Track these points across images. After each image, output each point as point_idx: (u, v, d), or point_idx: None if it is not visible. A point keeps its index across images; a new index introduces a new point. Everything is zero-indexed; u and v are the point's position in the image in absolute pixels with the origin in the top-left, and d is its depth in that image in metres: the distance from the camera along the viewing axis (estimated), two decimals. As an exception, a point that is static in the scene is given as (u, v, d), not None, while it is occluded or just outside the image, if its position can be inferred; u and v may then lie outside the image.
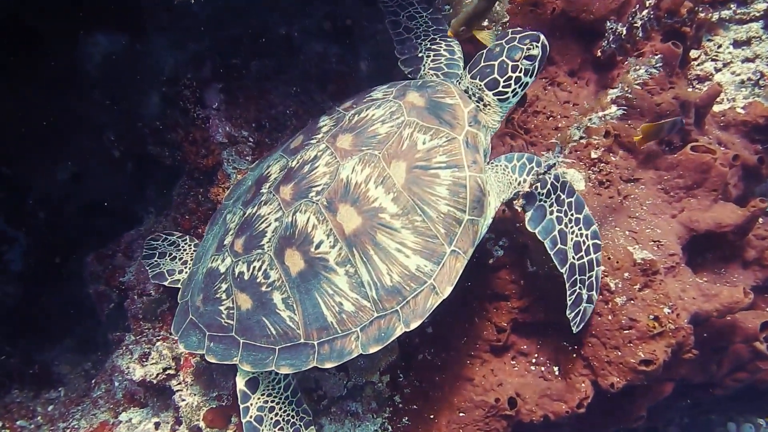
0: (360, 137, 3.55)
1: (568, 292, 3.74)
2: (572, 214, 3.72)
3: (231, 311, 3.66)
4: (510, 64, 3.68)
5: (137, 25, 4.82)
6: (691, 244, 4.48)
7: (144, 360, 4.59)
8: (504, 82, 3.70)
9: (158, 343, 4.64)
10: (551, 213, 3.69)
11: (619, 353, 3.96)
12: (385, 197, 3.40)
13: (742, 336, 4.51)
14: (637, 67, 3.44)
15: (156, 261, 4.46)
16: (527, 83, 3.77)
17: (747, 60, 5.66)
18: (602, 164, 4.49)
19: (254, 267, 3.58)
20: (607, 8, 4.45)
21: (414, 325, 3.39)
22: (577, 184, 4.41)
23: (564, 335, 4.17)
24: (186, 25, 5.00)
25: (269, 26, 5.12)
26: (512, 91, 3.75)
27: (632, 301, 3.98)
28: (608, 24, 4.32)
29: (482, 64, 3.75)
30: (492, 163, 3.72)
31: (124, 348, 4.84)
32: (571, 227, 3.72)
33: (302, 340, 3.50)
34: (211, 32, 4.99)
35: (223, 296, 3.70)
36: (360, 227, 3.39)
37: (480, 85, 3.75)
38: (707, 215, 4.39)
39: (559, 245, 3.70)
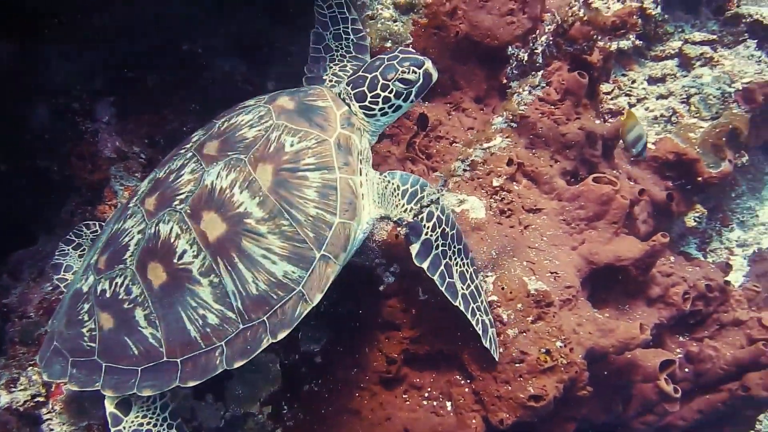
0: (227, 143, 3.44)
1: (473, 322, 3.69)
2: (455, 246, 3.65)
3: (93, 333, 3.44)
4: (381, 81, 3.58)
5: (27, 34, 4.62)
6: (592, 278, 4.41)
7: (12, 386, 4.31)
8: (371, 98, 3.60)
9: (29, 369, 4.35)
10: (437, 248, 3.59)
11: (509, 388, 3.83)
12: (251, 202, 3.26)
13: (642, 375, 4.43)
14: (520, 91, 3.38)
15: (68, 250, 4.29)
16: (399, 107, 3.67)
17: (661, 96, 5.71)
18: (504, 192, 4.42)
19: (116, 283, 3.39)
20: (511, 34, 4.44)
21: (281, 336, 3.24)
22: (477, 212, 4.32)
23: (457, 368, 4.06)
24: (83, 37, 4.83)
25: (172, 41, 4.99)
26: (380, 110, 3.64)
27: (524, 334, 3.87)
28: (509, 49, 4.29)
29: (359, 73, 3.67)
30: (383, 175, 3.62)
31: (-8, 373, 4.55)
32: (455, 259, 3.66)
33: (165, 359, 3.30)
34: (109, 44, 4.82)
35: (86, 317, 3.49)
36: (224, 234, 3.24)
37: (350, 93, 3.65)
38: (607, 248, 4.33)
39: (447, 279, 3.64)
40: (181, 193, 3.37)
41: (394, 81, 3.55)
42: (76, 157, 4.59)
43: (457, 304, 3.64)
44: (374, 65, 3.64)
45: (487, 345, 3.74)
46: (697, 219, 5.44)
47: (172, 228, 3.31)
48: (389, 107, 3.64)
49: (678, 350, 5.03)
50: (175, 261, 3.27)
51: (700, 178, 5.17)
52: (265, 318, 3.24)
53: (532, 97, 3.86)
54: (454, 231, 3.63)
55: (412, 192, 3.55)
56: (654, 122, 5.55)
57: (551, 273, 4.14)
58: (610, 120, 5.43)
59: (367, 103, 3.61)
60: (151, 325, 3.30)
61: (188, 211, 3.30)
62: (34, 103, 4.74)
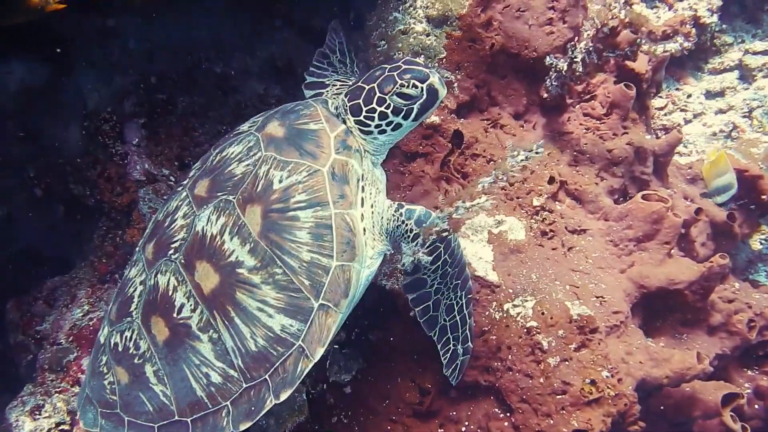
0: (216, 181, 3.21)
1: (441, 352, 3.53)
2: (452, 283, 3.43)
3: (113, 386, 3.32)
4: (377, 94, 3.21)
5: (63, 57, 4.65)
6: (645, 304, 4.14)
7: (36, 413, 4.25)
8: (366, 112, 3.23)
9: (55, 396, 4.31)
10: (431, 286, 3.39)
11: (551, 421, 3.57)
12: (242, 249, 3.01)
13: (703, 410, 4.09)
14: (515, 153, 3.09)
15: None
16: (399, 125, 3.27)
17: (720, 111, 5.40)
18: (546, 212, 4.19)
19: (126, 337, 3.27)
20: (551, 45, 4.23)
21: (284, 396, 3.00)
22: (517, 233, 4.10)
23: (495, 399, 3.83)
24: (116, 60, 4.85)
25: (204, 63, 4.96)
26: (376, 127, 3.26)
27: (566, 363, 3.62)
28: (548, 60, 4.08)
29: (358, 83, 3.32)
30: (399, 211, 3.29)
31: (18, 399, 4.50)
32: (447, 294, 3.44)
33: (176, 417, 3.13)
34: (141, 67, 4.83)
35: (105, 370, 3.38)
36: (218, 286, 3.02)
37: (346, 106, 3.30)
38: (659, 270, 4.04)
39: (430, 313, 3.45)
40: (175, 241, 3.20)
41: (392, 95, 3.18)
42: (105, 180, 4.56)
43: (431, 334, 3.48)
44: (374, 75, 3.29)
45: (447, 373, 3.58)
46: (763, 241, 5.06)
47: (169, 280, 3.15)
48: (387, 124, 3.26)
49: (747, 385, 4.66)
50: (174, 315, 3.10)
51: (765, 197, 4.82)
52: (266, 376, 3.01)
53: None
54: (457, 269, 3.40)
55: (428, 241, 3.25)
56: (712, 138, 5.23)
57: (597, 297, 3.88)
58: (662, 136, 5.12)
59: (362, 118, 3.25)
60: (161, 382, 3.15)
61: (182, 261, 3.12)
62: (67, 126, 4.75)
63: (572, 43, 4.08)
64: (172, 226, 3.24)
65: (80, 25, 4.79)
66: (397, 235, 3.28)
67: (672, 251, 4.12)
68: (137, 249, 3.45)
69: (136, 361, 3.20)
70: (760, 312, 4.55)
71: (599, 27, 3.95)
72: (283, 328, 2.97)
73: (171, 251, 3.17)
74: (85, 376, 3.69)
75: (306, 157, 3.12)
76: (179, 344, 3.08)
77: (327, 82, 4.10)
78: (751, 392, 4.56)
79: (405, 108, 3.21)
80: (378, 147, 3.38)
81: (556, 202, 4.26)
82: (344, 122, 3.29)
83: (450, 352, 3.52)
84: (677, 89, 5.45)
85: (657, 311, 4.25)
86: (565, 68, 4.06)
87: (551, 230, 4.17)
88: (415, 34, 4.35)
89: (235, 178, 3.15)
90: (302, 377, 2.99)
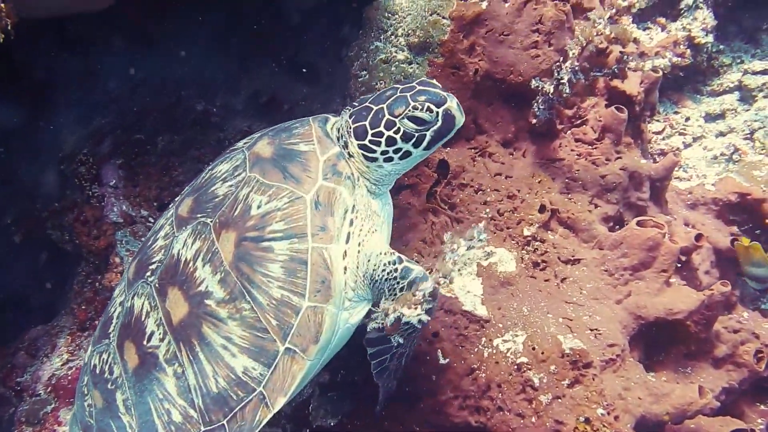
0: (199, 201, 3.07)
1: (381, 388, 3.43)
2: (414, 340, 3.29)
3: (91, 409, 3.22)
4: (386, 117, 2.93)
5: (41, 99, 4.65)
6: (644, 336, 4.00)
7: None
8: (372, 136, 2.97)
9: (29, 451, 4.20)
10: (396, 346, 3.15)
11: (545, 463, 3.40)
12: (212, 278, 2.85)
13: (709, 448, 3.88)
14: (455, 246, 2.92)
15: None
16: (409, 153, 3.01)
17: (721, 134, 5.28)
18: (537, 242, 4.08)
19: (103, 360, 3.17)
20: (537, 69, 4.15)
21: None
22: (507, 265, 3.98)
23: (487, 442, 3.64)
24: (95, 100, 4.84)
25: (185, 102, 4.94)
26: (382, 153, 3.00)
27: (559, 400, 3.47)
28: (533, 83, 4.00)
29: (366, 103, 3.05)
30: (393, 261, 2.96)
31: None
32: (405, 346, 3.22)
33: None
34: (120, 106, 4.81)
35: (86, 390, 3.29)
36: (186, 317, 2.87)
37: (349, 128, 3.03)
38: (657, 300, 3.90)
39: (384, 365, 3.26)
40: (153, 263, 3.09)
41: (403, 118, 2.90)
42: (81, 224, 4.51)
43: (376, 379, 3.32)
44: (384, 95, 3.01)
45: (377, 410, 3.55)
46: (771, 268, 4.89)
47: (143, 304, 3.03)
48: (395, 151, 2.99)
49: (759, 420, 4.45)
50: (144, 343, 2.98)
51: (768, 221, 4.68)
52: (225, 422, 2.83)
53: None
54: (419, 332, 3.24)
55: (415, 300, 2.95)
56: (713, 162, 5.11)
57: (591, 330, 3.75)
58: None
59: (366, 142, 2.98)
60: (128, 413, 3.03)
61: (157, 285, 3.00)
62: (43, 169, 4.73)
63: (557, 63, 4.00)
64: (153, 246, 3.15)
65: (60, 66, 4.79)
66: (380, 287, 2.97)
67: (670, 279, 3.98)
68: (124, 269, 3.36)
69: (109, 386, 3.09)
70: (769, 342, 4.39)
71: (584, 45, 3.88)
72: (245, 370, 2.81)
73: (148, 273, 3.07)
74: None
75: (289, 181, 2.92)
76: (146, 374, 2.95)
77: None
78: (764, 428, 4.37)
79: (416, 134, 2.95)
80: (382, 176, 3.13)
81: (548, 232, 4.15)
82: (345, 145, 3.06)
83: (384, 390, 3.40)
84: (675, 112, 5.36)
85: (659, 343, 4.09)
86: (552, 91, 3.97)
87: (543, 261, 4.05)
88: (397, 63, 4.30)
89: (216, 200, 3.00)
90: (260, 427, 2.83)
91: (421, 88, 2.97)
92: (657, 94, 4.53)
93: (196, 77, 5.14)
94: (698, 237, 4.28)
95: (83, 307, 4.67)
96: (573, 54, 3.91)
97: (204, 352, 2.84)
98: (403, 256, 2.99)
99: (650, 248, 3.93)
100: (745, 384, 4.22)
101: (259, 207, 2.88)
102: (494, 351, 3.65)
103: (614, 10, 3.80)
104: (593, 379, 3.50)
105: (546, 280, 4.00)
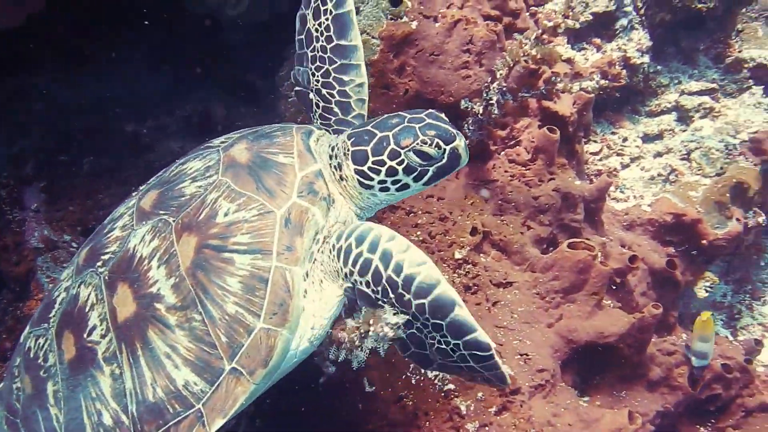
0: (164, 196, 2.93)
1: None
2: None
3: (19, 392, 3.06)
4: (391, 146, 2.81)
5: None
6: (577, 360, 3.96)
7: None
8: (372, 163, 2.85)
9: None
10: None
11: (472, 494, 3.35)
12: (166, 282, 2.72)
13: (643, 474, 3.87)
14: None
15: None
16: (407, 186, 2.89)
17: (658, 154, 5.32)
18: (469, 266, 4.04)
19: (39, 344, 3.02)
20: (468, 90, 4.15)
21: None
22: (438, 289, 3.93)
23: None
24: (19, 121, 4.72)
25: (115, 122, 4.85)
26: (379, 182, 2.88)
27: (486, 428, 3.44)
28: (463, 103, 3.99)
29: (368, 127, 2.93)
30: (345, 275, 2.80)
31: None
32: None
33: None
34: (45, 127, 4.70)
35: (16, 372, 3.13)
36: (132, 317, 2.74)
37: (347, 150, 2.91)
38: (588, 324, 3.90)
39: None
40: (107, 252, 2.94)
41: (409, 151, 2.78)
42: (1, 249, 4.37)
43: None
44: (389, 122, 2.89)
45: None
46: (708, 289, 4.93)
47: (89, 294, 2.89)
48: (393, 183, 2.88)
49: (699, 443, 4.47)
50: (84, 336, 2.83)
51: (704, 241, 4.71)
52: None
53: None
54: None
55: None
56: (650, 182, 5.14)
57: (521, 355, 3.72)
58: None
59: (365, 168, 2.86)
60: (57, 405, 2.88)
61: (107, 277, 2.86)
62: (-38, 193, 4.60)
63: (486, 83, 4.00)
64: (109, 235, 2.98)
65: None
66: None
67: (602, 302, 3.97)
68: (80, 248, 3.20)
69: (41, 373, 2.94)
70: (706, 364, 4.40)
71: (511, 65, 3.88)
72: (186, 384, 2.67)
73: (99, 263, 2.91)
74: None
75: (262, 193, 2.79)
76: (82, 369, 2.80)
77: (311, 97, 3.50)
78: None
79: (419, 168, 2.83)
80: (372, 204, 3.06)
81: (481, 254, 4.13)
82: (339, 167, 2.95)
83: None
84: (613, 133, 5.40)
85: (595, 367, 4.08)
86: (481, 111, 3.97)
87: (475, 284, 4.02)
88: (327, 83, 4.26)
89: (182, 199, 2.86)
90: None
91: (430, 121, 2.85)
92: (591, 114, 4.55)
93: (128, 97, 5.05)
94: (632, 259, 4.29)
95: (4, 336, 4.52)
96: (500, 74, 3.91)
97: (146, 358, 2.71)
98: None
99: (581, 271, 3.92)
100: (681, 407, 4.23)
101: (226, 215, 2.77)
102: (422, 378, 3.60)
103: (540, 31, 3.79)
104: (521, 406, 3.48)
105: (477, 304, 3.96)
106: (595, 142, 5.27)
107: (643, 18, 5.34)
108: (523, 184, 4.26)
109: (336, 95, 3.35)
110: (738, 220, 4.77)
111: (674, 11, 5.49)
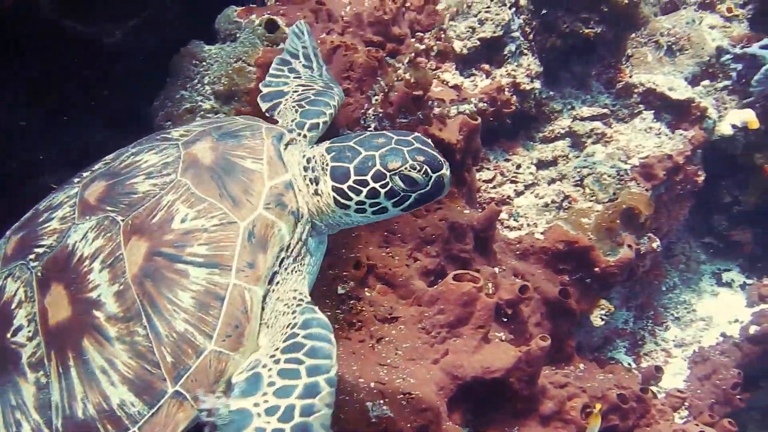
0: (113, 190, 2.65)
1: None
2: None
3: None
4: (376, 168, 2.69)
5: None
6: (466, 396, 3.86)
7: None
8: (353, 182, 2.71)
9: None
10: None
11: None
12: (108, 288, 2.45)
13: None
14: None
15: None
16: (384, 209, 2.78)
17: (553, 181, 5.33)
18: (353, 301, 3.92)
19: None
20: (349, 117, 4.07)
21: None
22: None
23: None
24: None
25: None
26: (357, 203, 2.75)
27: (364, 477, 3.27)
28: (341, 132, 3.89)
29: (350, 142, 2.79)
30: (299, 302, 2.61)
31: None
32: None
33: None
34: None
35: None
36: (67, 322, 2.46)
37: (326, 163, 2.77)
38: (474, 358, 3.81)
39: None
40: (41, 245, 2.65)
41: (395, 174, 2.68)
42: None
43: None
44: (374, 141, 2.77)
45: None
46: (604, 317, 4.92)
47: (17, 290, 2.60)
48: (372, 205, 2.75)
49: (597, 477, 4.41)
50: (8, 336, 2.55)
51: (597, 269, 4.70)
52: None
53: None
54: None
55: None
56: (544, 210, 5.13)
57: (404, 395, 3.58)
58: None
59: (345, 187, 2.71)
60: None
61: (39, 274, 2.58)
62: None
63: (363, 110, 3.92)
64: (45, 225, 2.68)
65: None
66: (275, 329, 2.56)
67: (488, 335, 3.89)
68: (8, 233, 2.89)
69: None
70: (602, 395, 4.37)
71: (386, 91, 3.80)
72: (122, 403, 2.40)
73: (32, 256, 2.61)
74: None
75: (225, 201, 2.57)
76: (2, 372, 2.53)
77: (286, 90, 3.50)
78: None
79: (402, 194, 2.72)
80: (342, 224, 2.90)
81: (365, 289, 4.01)
82: (315, 181, 2.78)
83: None
84: (506, 160, 5.39)
85: (488, 403, 3.99)
86: (358, 141, 3.88)
87: (359, 321, 3.89)
88: (202, 112, 4.16)
89: (134, 196, 2.59)
90: None
91: (418, 145, 2.74)
92: (479, 141, 4.51)
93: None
94: (523, 289, 4.24)
95: None
96: (376, 100, 3.83)
97: (78, 369, 2.44)
98: (315, 307, 2.62)
99: (466, 303, 3.84)
100: (576, 441, 4.17)
101: (183, 221, 2.52)
102: None
103: (413, 54, 3.74)
104: (402, 450, 3.35)
105: (361, 341, 3.84)
106: (488, 169, 5.24)
107: (533, 43, 5.37)
108: (409, 215, 4.17)
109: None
110: (629, 246, 4.78)
111: (563, 36, 5.53)
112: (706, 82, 6.15)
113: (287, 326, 2.52)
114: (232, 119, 3.04)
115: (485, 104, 4.79)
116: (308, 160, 2.83)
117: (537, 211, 5.13)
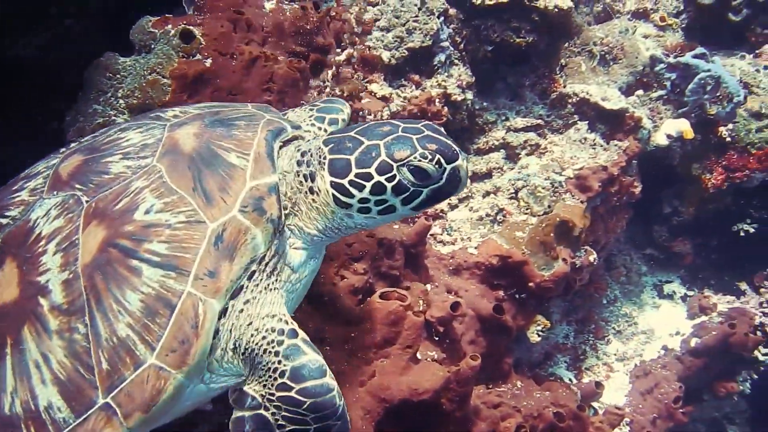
0: (87, 166, 2.49)
1: None
2: None
3: None
4: (381, 158, 2.40)
5: None
6: (396, 420, 3.73)
7: None
8: (356, 176, 2.43)
9: None
10: None
11: None
12: (58, 274, 2.29)
13: None
14: None
15: None
16: (392, 208, 2.49)
17: (488, 194, 5.26)
18: (277, 323, 3.77)
19: None
20: (270, 131, 3.92)
21: None
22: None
23: None
24: None
25: None
26: (360, 201, 2.46)
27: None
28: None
29: (351, 133, 2.53)
30: (279, 332, 2.43)
31: None
32: None
33: None
34: None
35: None
36: (12, 304, 2.30)
37: (324, 156, 2.50)
38: (402, 380, 3.69)
39: None
40: (6, 216, 2.51)
41: (403, 166, 2.40)
42: None
43: None
44: (378, 129, 2.50)
45: None
46: (541, 333, 4.85)
47: None
48: (377, 203, 2.47)
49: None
50: None
51: (531, 284, 4.63)
52: None
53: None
54: None
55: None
56: (479, 223, 5.06)
57: (329, 420, 3.45)
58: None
59: (345, 182, 2.45)
60: None
61: None
62: None
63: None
64: (15, 195, 2.55)
65: None
66: (255, 361, 2.42)
67: (419, 355, 3.79)
68: None
69: None
70: (538, 414, 4.30)
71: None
72: (49, 406, 2.22)
73: None
74: None
75: (198, 196, 2.37)
76: None
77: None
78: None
79: (412, 189, 2.43)
80: (340, 229, 2.65)
81: (292, 310, 3.88)
82: (311, 177, 2.53)
83: None
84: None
85: (420, 425, 3.87)
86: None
87: (282, 344, 3.75)
88: (115, 128, 3.96)
89: (105, 177, 2.43)
90: None
91: (429, 133, 2.46)
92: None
93: None
94: (455, 306, 4.14)
95: None
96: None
97: (13, 359, 2.26)
98: (300, 332, 2.45)
99: (392, 323, 3.72)
100: (511, 462, 4.08)
101: (147, 212, 2.34)
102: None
103: (334, 69, 3.64)
104: (325, 479, 3.20)
105: (283, 365, 3.70)
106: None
107: (464, 53, 5.31)
108: (334, 231, 4.06)
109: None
110: (564, 260, 4.72)
111: (494, 46, 5.49)
112: (640, 92, 6.16)
113: (273, 371, 2.38)
114: (240, 105, 2.84)
115: (401, 111, 4.71)
116: (303, 154, 2.60)
117: (471, 225, 5.06)
